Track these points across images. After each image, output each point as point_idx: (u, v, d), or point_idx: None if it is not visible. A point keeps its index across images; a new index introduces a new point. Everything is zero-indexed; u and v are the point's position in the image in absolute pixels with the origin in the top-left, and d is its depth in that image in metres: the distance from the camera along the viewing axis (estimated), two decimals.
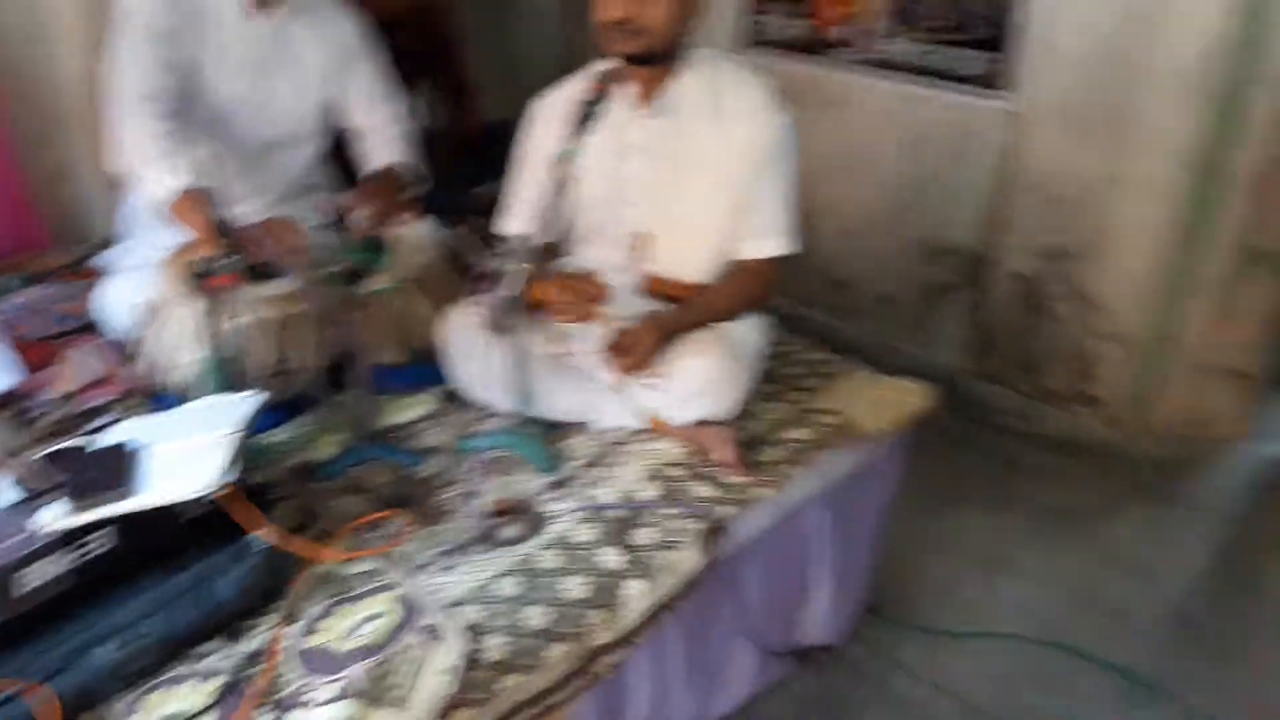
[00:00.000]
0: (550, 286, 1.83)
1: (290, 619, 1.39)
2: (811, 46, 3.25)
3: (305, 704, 1.25)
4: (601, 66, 1.84)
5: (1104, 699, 2.07)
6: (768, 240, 1.89)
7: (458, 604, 1.43)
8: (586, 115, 1.74)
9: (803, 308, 3.36)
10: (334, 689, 1.26)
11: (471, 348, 1.83)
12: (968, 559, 2.44)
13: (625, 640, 1.48)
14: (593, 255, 1.99)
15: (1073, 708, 2.04)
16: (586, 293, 1.84)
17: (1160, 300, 2.74)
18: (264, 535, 1.40)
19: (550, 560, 1.54)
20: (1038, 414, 2.99)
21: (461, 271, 2.10)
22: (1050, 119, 2.78)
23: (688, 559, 1.57)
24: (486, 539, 1.56)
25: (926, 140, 3.07)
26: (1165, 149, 2.60)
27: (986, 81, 2.90)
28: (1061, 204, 2.83)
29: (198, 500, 1.37)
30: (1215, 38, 2.44)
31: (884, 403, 2.00)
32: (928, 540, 2.48)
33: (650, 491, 1.70)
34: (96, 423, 1.77)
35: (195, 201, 1.84)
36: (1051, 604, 2.31)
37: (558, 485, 1.71)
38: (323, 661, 1.30)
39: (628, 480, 1.73)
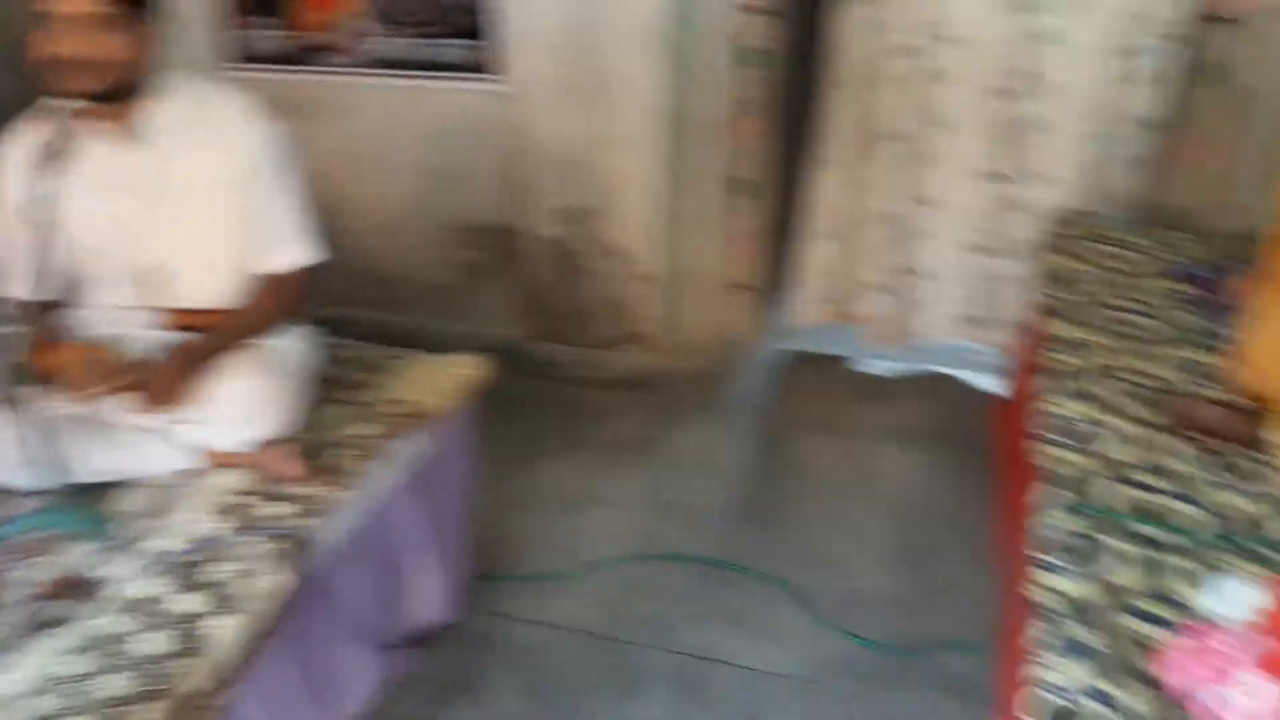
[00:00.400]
0: (60, 358, 1.69)
1: None
2: (300, 56, 3.22)
3: None
4: (58, 105, 1.72)
5: (696, 589, 2.34)
6: (287, 251, 1.88)
7: (21, 698, 1.32)
8: (52, 157, 1.62)
9: (352, 309, 3.34)
10: None
11: None
12: (559, 504, 2.62)
13: (223, 680, 1.44)
14: (103, 300, 1.86)
15: (672, 604, 2.29)
16: (98, 366, 1.69)
17: (670, 237, 3.08)
18: None
19: (121, 624, 1.45)
20: (593, 361, 3.25)
21: None
22: (544, 94, 2.99)
23: (274, 581, 1.55)
24: (39, 625, 1.44)
25: (437, 130, 3.18)
26: (642, 105, 2.91)
27: (479, 68, 3.05)
28: (573, 169, 3.07)
29: None
30: (657, 2, 2.76)
31: (443, 381, 2.09)
32: (520, 497, 2.63)
33: (220, 526, 1.65)
34: None
35: None
36: (637, 522, 2.56)
37: (114, 548, 1.60)
38: None
39: (192, 521, 1.66)
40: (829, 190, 3.05)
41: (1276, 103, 2.56)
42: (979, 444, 2.72)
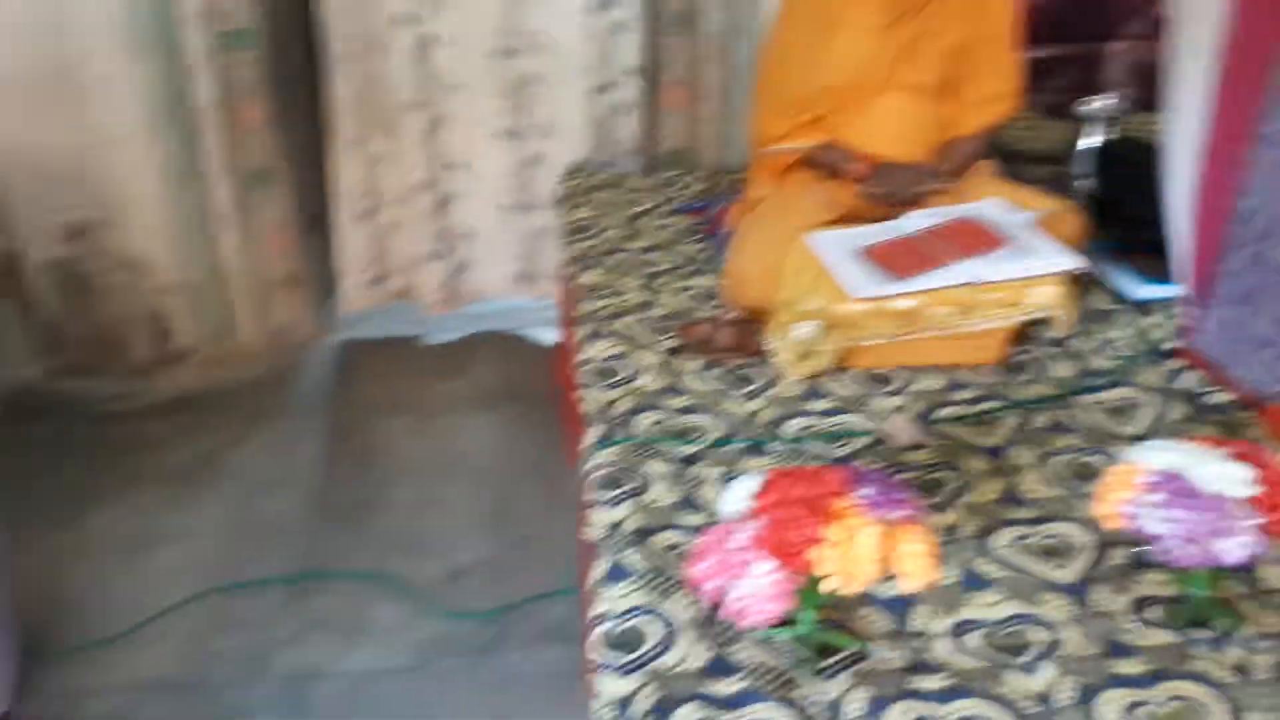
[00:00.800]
0: None
1: None
2: None
3: None
4: None
5: (285, 608, 2.22)
6: None
7: None
8: None
9: None
10: None
11: None
12: (120, 551, 2.37)
13: None
14: None
15: (261, 631, 2.16)
16: None
17: (194, 240, 2.86)
18: None
19: None
20: (135, 388, 2.94)
21: None
22: (5, 100, 2.62)
23: None
24: None
25: None
26: (129, 101, 2.66)
27: None
28: (61, 180, 2.73)
29: None
30: None
31: None
32: (72, 554, 2.35)
33: None
34: None
35: None
36: (212, 552, 2.38)
37: None
38: None
39: None
40: (355, 169, 2.97)
41: (734, 46, 2.86)
42: (548, 397, 2.82)
